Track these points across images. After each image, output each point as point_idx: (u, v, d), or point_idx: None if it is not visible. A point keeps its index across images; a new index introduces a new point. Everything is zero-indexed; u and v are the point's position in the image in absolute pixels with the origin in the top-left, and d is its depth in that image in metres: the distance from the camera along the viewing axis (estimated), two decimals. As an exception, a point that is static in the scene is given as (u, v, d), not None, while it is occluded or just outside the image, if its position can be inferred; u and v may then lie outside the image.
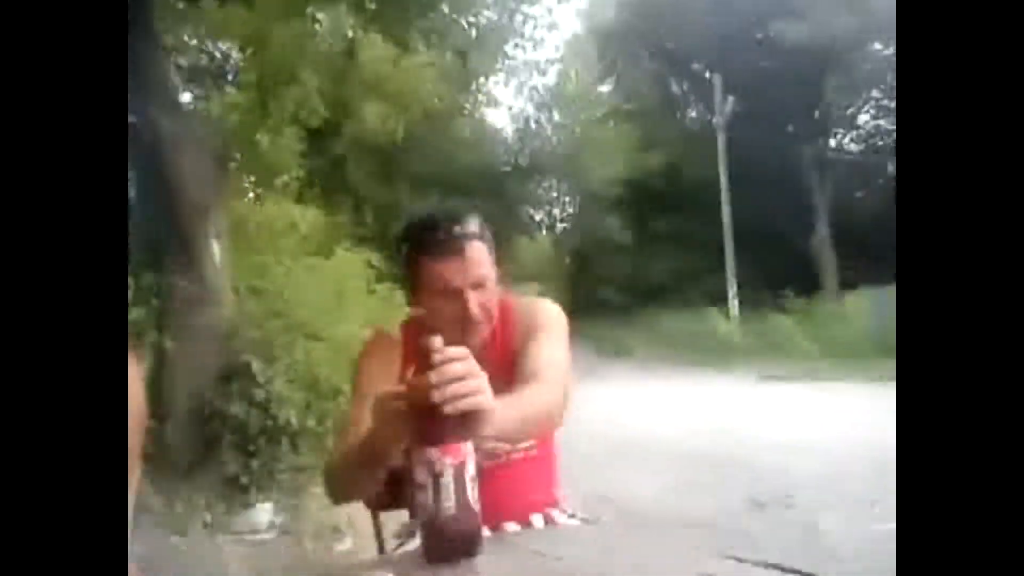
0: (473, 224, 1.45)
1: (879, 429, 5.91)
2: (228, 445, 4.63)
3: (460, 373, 1.05)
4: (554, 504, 1.56)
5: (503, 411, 1.12)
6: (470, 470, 1.10)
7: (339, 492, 1.47)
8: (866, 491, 4.28)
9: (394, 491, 1.75)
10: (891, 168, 18.13)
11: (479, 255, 1.43)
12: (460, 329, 1.42)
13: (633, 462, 5.80)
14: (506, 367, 1.42)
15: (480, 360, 1.40)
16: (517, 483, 1.50)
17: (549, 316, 1.53)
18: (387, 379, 1.41)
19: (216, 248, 5.03)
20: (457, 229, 1.42)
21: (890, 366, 10.03)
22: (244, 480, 4.57)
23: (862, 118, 20.36)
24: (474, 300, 1.43)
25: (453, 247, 1.41)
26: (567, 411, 1.41)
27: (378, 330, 1.66)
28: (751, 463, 5.33)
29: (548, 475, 1.59)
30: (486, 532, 1.25)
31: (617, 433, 6.74)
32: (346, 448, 1.36)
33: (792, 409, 7.89)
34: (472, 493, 1.10)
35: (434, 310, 1.45)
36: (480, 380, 1.07)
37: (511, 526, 1.46)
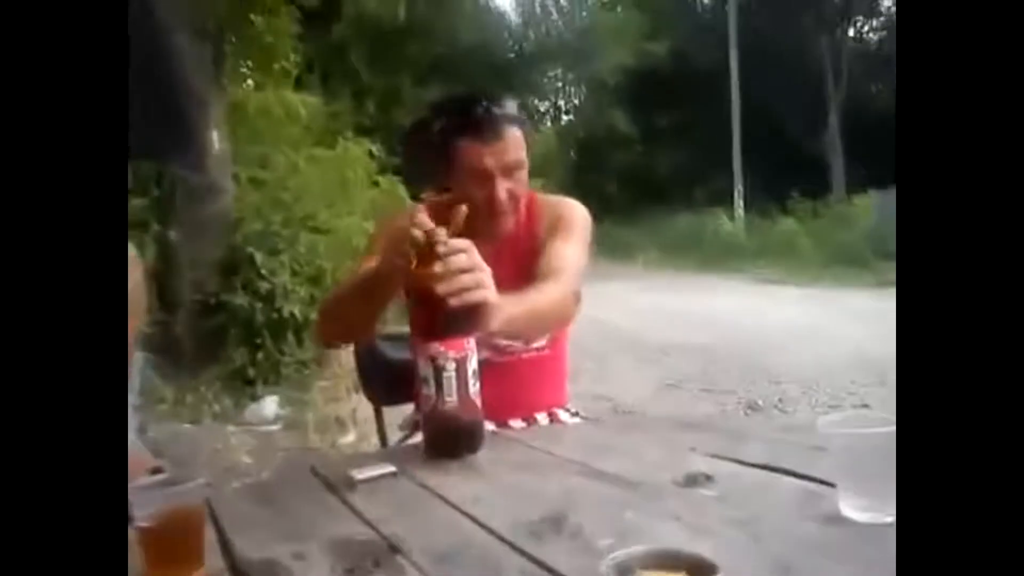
0: (513, 108, 1.41)
1: (879, 334, 5.99)
2: (233, 338, 4.68)
3: (464, 266, 1.03)
4: (561, 404, 1.59)
5: (508, 307, 1.11)
6: (472, 365, 1.11)
7: (329, 326, 1.45)
8: (863, 396, 4.37)
9: (398, 385, 1.78)
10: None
11: (516, 141, 1.39)
12: (485, 216, 1.39)
13: (631, 362, 5.88)
14: (526, 263, 1.41)
15: (501, 253, 1.39)
16: (527, 381, 1.52)
17: (574, 216, 1.51)
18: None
19: (215, 136, 4.92)
20: (497, 111, 1.38)
21: (890, 272, 10.07)
22: (250, 373, 4.64)
23: (885, 2, 19.19)
24: (503, 187, 1.39)
25: (491, 129, 1.37)
26: (577, 312, 1.40)
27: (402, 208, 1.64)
28: (750, 366, 5.40)
29: (558, 375, 1.61)
30: (491, 427, 1.26)
31: (616, 332, 6.81)
32: (348, 280, 1.37)
33: (794, 313, 7.92)
34: (473, 388, 1.11)
35: (461, 193, 1.40)
36: (484, 274, 1.05)
37: (516, 423, 1.48)
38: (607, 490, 0.94)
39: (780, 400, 4.48)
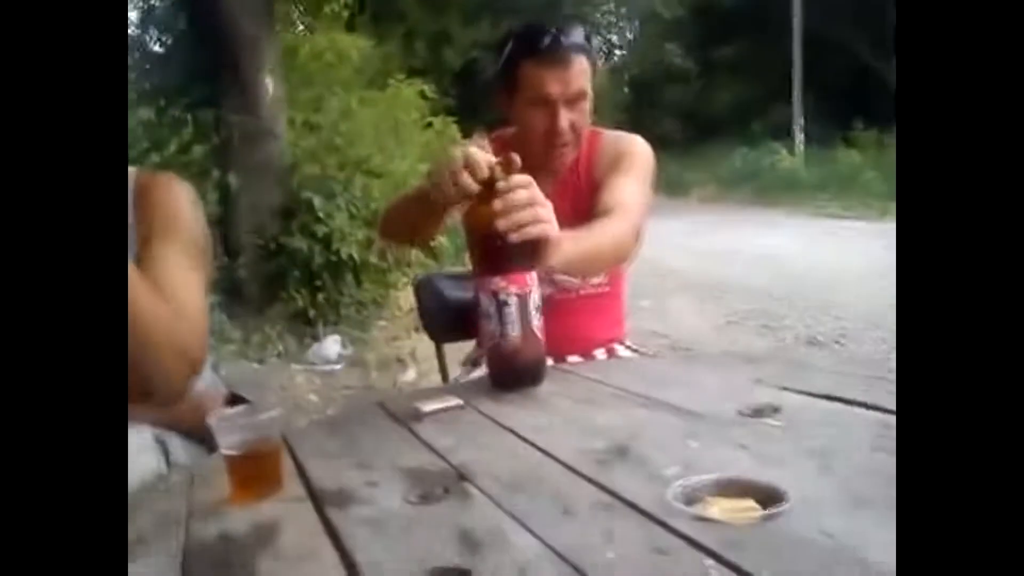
0: (581, 37, 1.41)
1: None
2: (294, 280, 4.79)
3: (525, 200, 1.03)
4: (620, 339, 1.59)
5: (569, 243, 1.11)
6: (535, 300, 1.11)
7: (388, 229, 1.47)
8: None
9: (458, 323, 1.80)
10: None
11: (581, 69, 1.40)
12: (545, 146, 1.41)
13: (688, 299, 5.82)
14: (586, 197, 1.41)
15: (562, 187, 1.40)
16: (587, 317, 1.53)
17: (636, 152, 1.49)
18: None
19: (270, 81, 4.95)
20: (564, 39, 1.39)
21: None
22: (311, 314, 4.76)
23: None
24: (565, 115, 1.40)
25: (557, 55, 1.38)
26: (637, 249, 1.40)
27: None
28: (810, 302, 5.29)
29: (616, 312, 1.61)
30: (549, 362, 1.28)
31: (672, 270, 6.74)
32: (405, 193, 1.39)
33: (856, 249, 7.70)
34: (536, 322, 1.11)
35: (524, 121, 1.43)
36: (545, 209, 1.05)
37: (574, 358, 1.49)
38: (671, 420, 0.94)
39: (842, 336, 4.40)
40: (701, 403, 0.98)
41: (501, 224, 1.02)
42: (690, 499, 0.69)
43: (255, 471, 0.83)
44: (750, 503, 0.67)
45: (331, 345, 4.42)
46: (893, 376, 0.99)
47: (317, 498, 0.80)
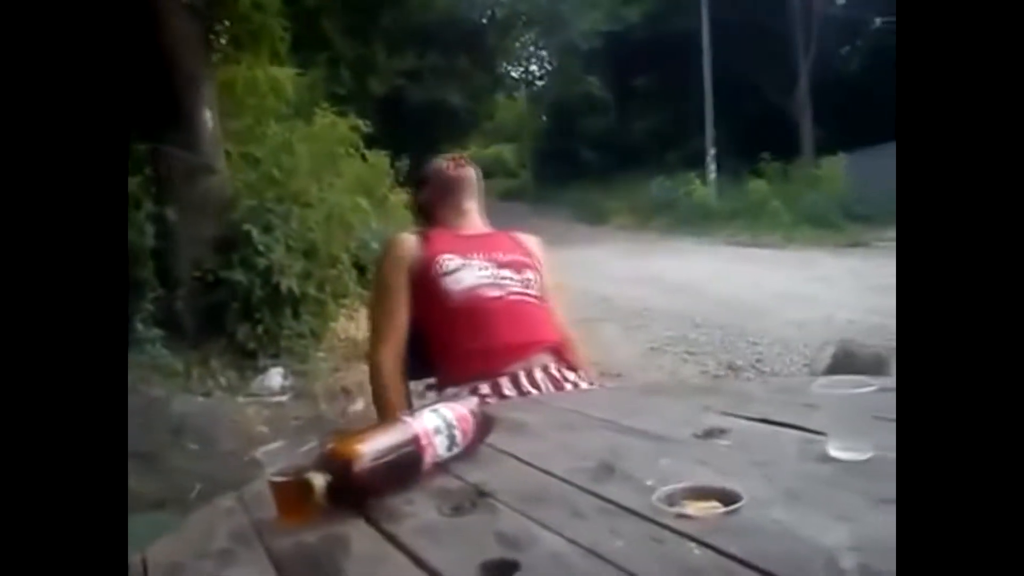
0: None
1: (847, 295, 6.28)
2: (233, 312, 4.83)
3: None
4: (564, 343, 1.90)
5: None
6: None
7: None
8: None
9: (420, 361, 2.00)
10: (876, 23, 17.78)
11: (471, 169, 2.04)
12: (458, 212, 2.00)
13: (610, 325, 6.12)
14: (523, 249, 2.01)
15: (499, 236, 2.01)
16: (536, 315, 1.87)
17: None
18: (400, 271, 1.86)
19: (208, 116, 5.01)
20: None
21: (858, 233, 10.30)
22: (251, 346, 4.80)
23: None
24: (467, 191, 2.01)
25: (456, 156, 2.09)
26: None
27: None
28: (728, 328, 5.67)
29: (551, 315, 1.94)
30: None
31: (593, 296, 7.05)
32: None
33: (767, 276, 8.23)
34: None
35: (434, 201, 2.03)
36: None
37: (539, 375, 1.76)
38: (642, 443, 1.16)
39: (758, 361, 4.76)
40: (663, 428, 1.21)
41: None
42: (670, 502, 0.90)
43: (296, 496, 0.98)
44: (715, 503, 0.90)
45: (274, 377, 4.49)
46: (812, 400, 1.24)
47: (366, 515, 0.98)
